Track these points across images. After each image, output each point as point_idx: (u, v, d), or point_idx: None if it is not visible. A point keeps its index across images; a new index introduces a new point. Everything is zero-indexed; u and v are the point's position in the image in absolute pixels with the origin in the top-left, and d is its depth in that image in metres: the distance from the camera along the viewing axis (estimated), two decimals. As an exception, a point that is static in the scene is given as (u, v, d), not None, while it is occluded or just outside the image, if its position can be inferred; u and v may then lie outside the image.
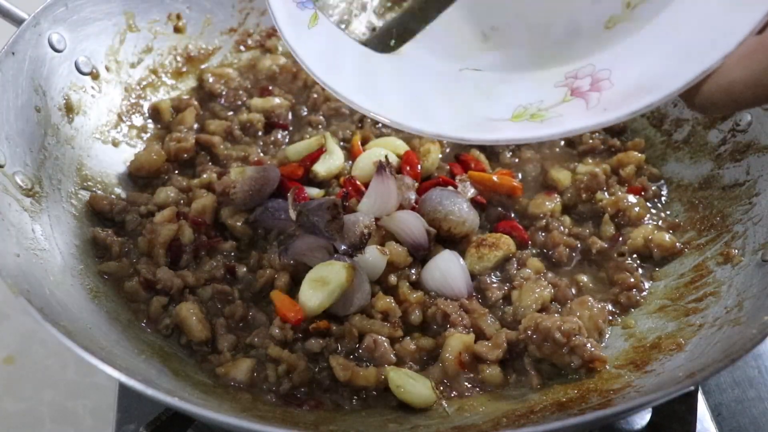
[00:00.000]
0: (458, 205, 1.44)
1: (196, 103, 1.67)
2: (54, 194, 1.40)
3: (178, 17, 1.71)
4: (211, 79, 1.70)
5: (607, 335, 1.34)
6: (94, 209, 1.46)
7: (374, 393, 1.25)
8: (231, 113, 1.67)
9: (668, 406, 1.26)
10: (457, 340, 1.28)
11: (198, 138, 1.58)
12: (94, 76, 1.57)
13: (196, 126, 1.64)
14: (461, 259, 1.40)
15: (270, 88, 1.72)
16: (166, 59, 1.69)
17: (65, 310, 1.20)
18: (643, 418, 1.33)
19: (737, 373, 1.47)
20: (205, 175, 1.52)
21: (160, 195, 1.48)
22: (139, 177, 1.54)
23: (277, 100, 1.67)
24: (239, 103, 1.70)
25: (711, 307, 1.32)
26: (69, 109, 1.50)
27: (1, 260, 1.14)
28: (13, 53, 1.39)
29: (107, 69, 1.60)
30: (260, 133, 1.64)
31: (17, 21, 1.43)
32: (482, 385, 1.27)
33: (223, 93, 1.70)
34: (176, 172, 1.56)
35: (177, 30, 1.71)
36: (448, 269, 1.38)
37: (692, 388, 1.16)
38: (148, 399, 1.04)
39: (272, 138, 1.63)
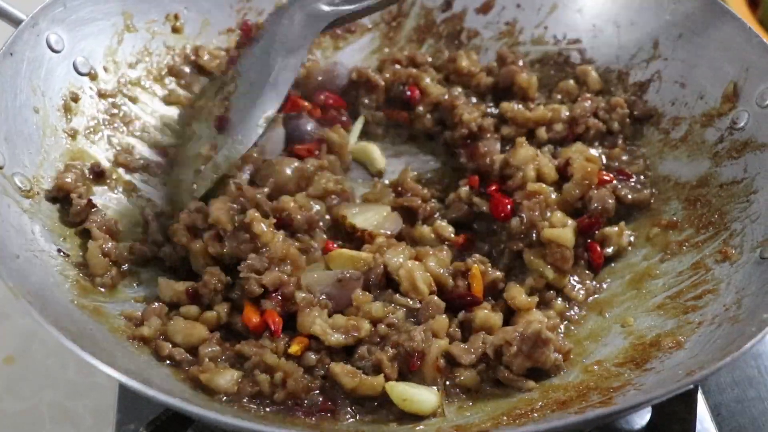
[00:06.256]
0: None
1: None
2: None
3: (176, 17, 1.70)
4: (206, 57, 1.70)
5: None
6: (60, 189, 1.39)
7: (375, 402, 1.23)
8: None
9: (668, 405, 1.26)
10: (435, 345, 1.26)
11: None
12: (92, 76, 1.55)
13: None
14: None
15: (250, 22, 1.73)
16: (164, 60, 1.69)
17: (66, 310, 1.20)
18: (643, 417, 1.33)
19: (737, 373, 1.47)
20: None
21: None
22: None
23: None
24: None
25: (710, 304, 1.32)
26: (67, 110, 1.49)
27: (1, 262, 1.14)
28: (11, 54, 1.38)
29: (105, 69, 1.59)
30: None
31: (15, 21, 1.43)
32: (462, 389, 1.27)
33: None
34: None
35: (175, 30, 1.70)
36: None
37: (692, 386, 1.16)
38: (149, 399, 1.04)
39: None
